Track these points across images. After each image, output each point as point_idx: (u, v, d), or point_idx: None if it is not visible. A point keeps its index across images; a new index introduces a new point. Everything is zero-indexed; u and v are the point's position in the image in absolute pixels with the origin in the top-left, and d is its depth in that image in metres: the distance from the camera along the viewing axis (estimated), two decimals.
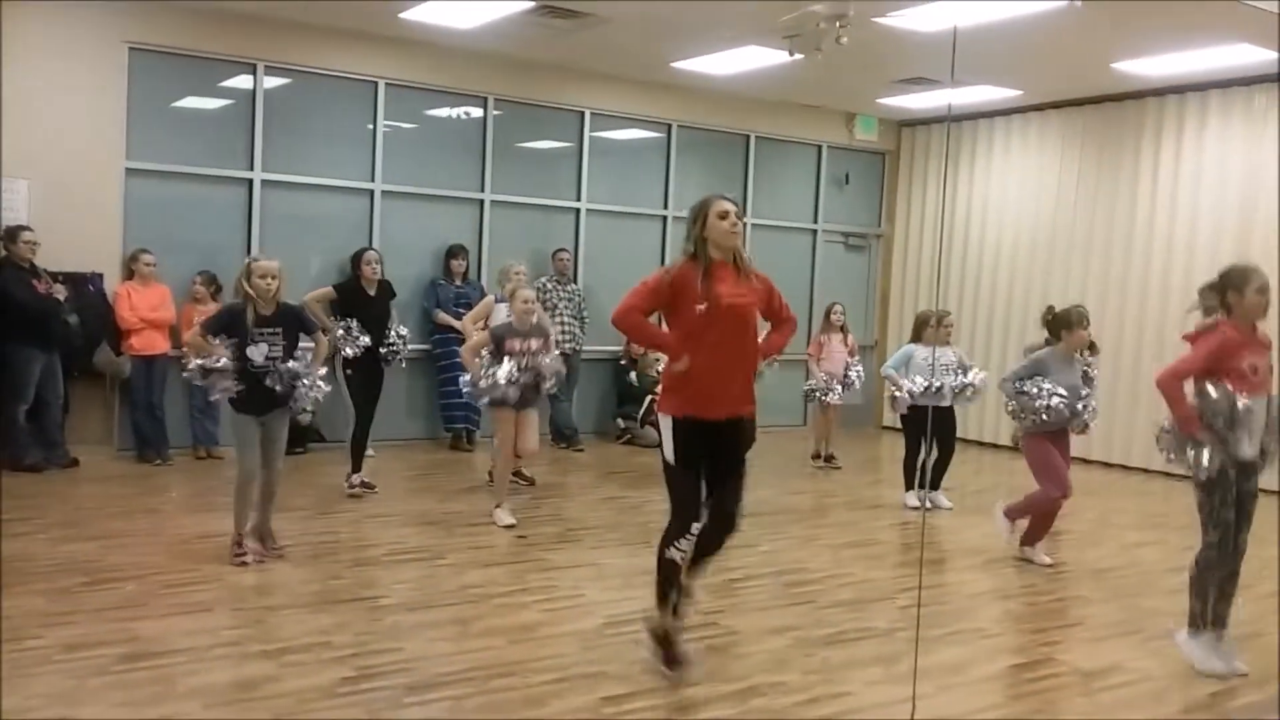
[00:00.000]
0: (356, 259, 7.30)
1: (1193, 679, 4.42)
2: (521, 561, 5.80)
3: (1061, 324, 6.04)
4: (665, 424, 4.05)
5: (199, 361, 5.31)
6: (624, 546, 6.11)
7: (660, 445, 4.11)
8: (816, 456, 9.14)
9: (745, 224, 11.43)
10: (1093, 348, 6.55)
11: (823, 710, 3.93)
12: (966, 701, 4.09)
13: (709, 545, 4.10)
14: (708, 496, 4.10)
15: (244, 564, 5.35)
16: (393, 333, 7.18)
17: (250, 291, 5.34)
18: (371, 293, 7.17)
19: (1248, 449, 4.25)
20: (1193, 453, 4.35)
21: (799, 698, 4.03)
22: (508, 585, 5.33)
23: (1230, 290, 4.35)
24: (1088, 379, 6.20)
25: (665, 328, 4.23)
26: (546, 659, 4.29)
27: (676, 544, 4.01)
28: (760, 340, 4.23)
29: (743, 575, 5.57)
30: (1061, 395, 5.87)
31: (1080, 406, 5.93)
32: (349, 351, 6.92)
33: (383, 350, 7.10)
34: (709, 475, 4.09)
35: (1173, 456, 4.47)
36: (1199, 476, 4.36)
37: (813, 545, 6.44)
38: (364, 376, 7.07)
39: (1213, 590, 4.47)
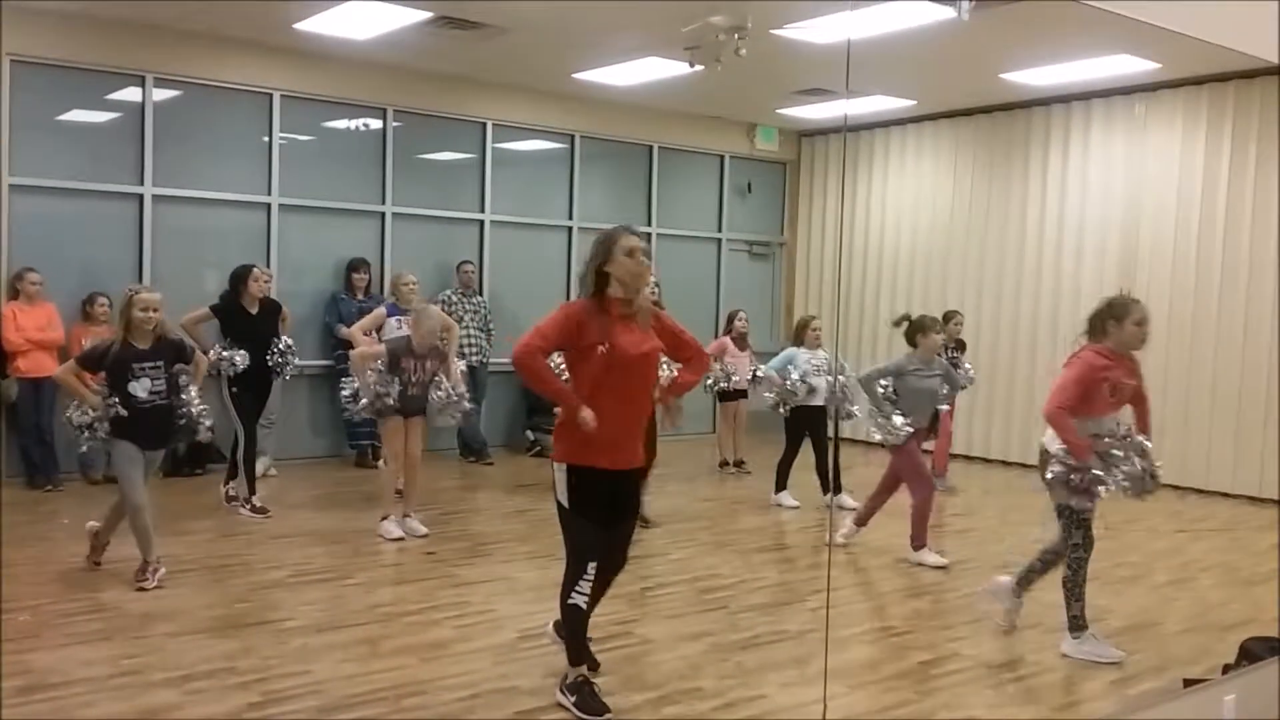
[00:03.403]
0: (239, 276, 7.10)
1: (1093, 669, 4.57)
2: (431, 578, 5.73)
3: (916, 330, 6.33)
4: (560, 471, 3.90)
5: (72, 415, 5.23)
6: (535, 559, 6.08)
7: (555, 490, 3.94)
8: (724, 464, 9.18)
9: (651, 234, 11.51)
10: (961, 346, 6.81)
11: (738, 714, 3.96)
12: (878, 699, 4.16)
13: (599, 589, 4.02)
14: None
15: (143, 589, 5.19)
16: (279, 346, 7.03)
17: (128, 323, 5.24)
18: (254, 310, 7.02)
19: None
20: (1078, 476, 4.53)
21: (714, 703, 4.06)
22: (418, 603, 5.26)
23: (1110, 320, 4.59)
24: (951, 379, 6.51)
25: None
26: (459, 676, 4.24)
27: (578, 588, 3.86)
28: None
29: (655, 584, 5.58)
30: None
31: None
32: (229, 371, 6.79)
33: (269, 363, 6.97)
34: (603, 525, 3.94)
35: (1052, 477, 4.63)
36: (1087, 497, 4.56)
37: (724, 551, 6.48)
38: (251, 394, 6.94)
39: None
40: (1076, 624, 4.69)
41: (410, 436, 6.63)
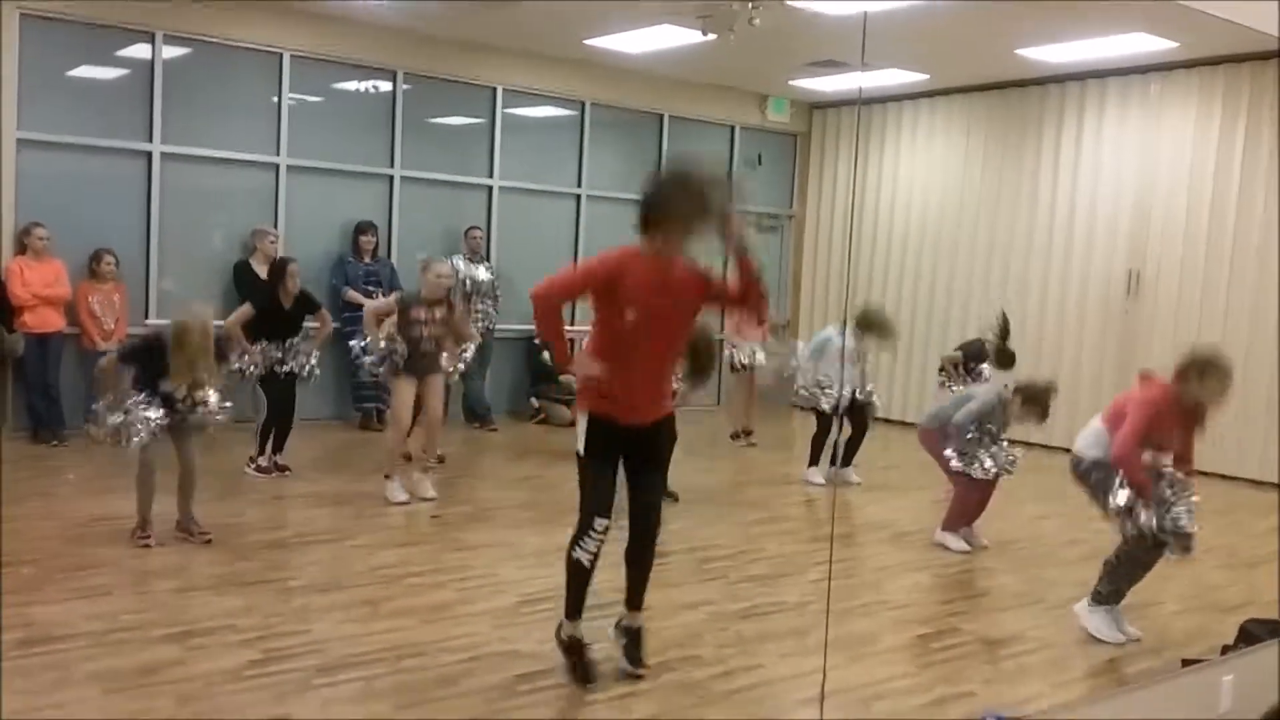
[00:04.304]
0: (278, 270, 7.10)
1: (1091, 646, 4.58)
2: (434, 542, 5.76)
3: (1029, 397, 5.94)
4: (581, 419, 3.85)
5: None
6: (538, 525, 6.09)
7: (576, 439, 3.89)
8: (736, 436, 9.11)
9: None
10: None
11: (736, 683, 3.98)
12: (876, 671, 4.18)
13: (639, 549, 3.98)
14: (629, 499, 3.97)
15: (147, 546, 5.21)
16: (303, 355, 7.01)
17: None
18: (288, 306, 6.99)
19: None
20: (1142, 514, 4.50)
21: (712, 670, 4.08)
22: (420, 565, 5.28)
23: (1197, 374, 4.46)
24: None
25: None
26: (459, 638, 4.26)
27: (582, 543, 3.81)
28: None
29: (655, 552, 5.58)
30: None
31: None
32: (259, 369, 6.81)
33: (289, 366, 6.96)
34: (628, 474, 3.92)
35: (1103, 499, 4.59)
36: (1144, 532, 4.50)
37: (724, 522, 6.49)
38: (275, 384, 6.99)
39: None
40: (1098, 598, 4.67)
41: (430, 395, 6.58)
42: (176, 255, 8.42)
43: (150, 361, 5.23)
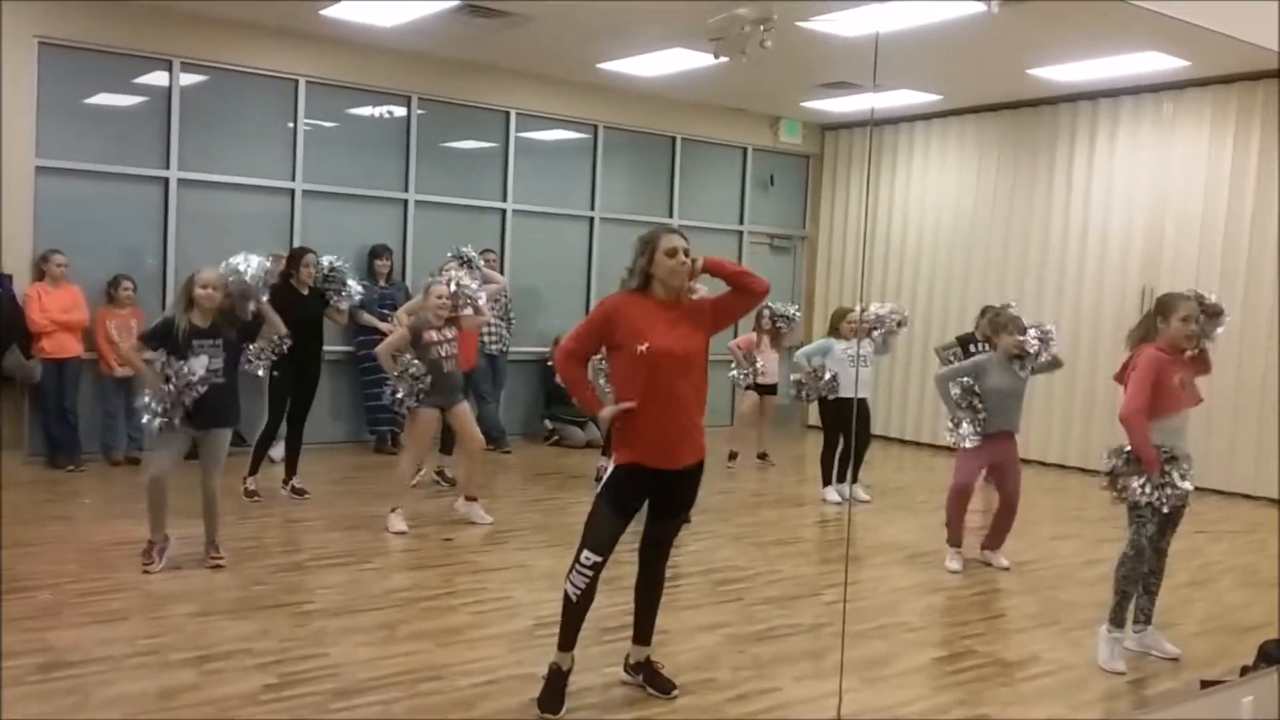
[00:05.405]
0: (294, 259, 7.15)
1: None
2: (449, 564, 5.76)
3: (993, 327, 6.20)
4: (611, 467, 3.87)
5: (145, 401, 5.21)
6: (552, 548, 6.08)
7: (600, 476, 3.90)
8: (734, 456, 9.06)
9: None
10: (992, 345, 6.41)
11: (752, 706, 3.97)
12: (892, 694, 4.16)
13: (647, 584, 4.06)
14: (644, 533, 4.00)
15: (147, 571, 5.22)
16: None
17: (190, 301, 5.23)
18: (304, 293, 7.04)
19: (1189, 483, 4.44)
20: (1145, 484, 4.43)
21: (728, 694, 4.07)
22: (435, 588, 5.29)
23: (1158, 317, 4.55)
24: (1048, 365, 6.09)
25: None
26: (475, 662, 4.26)
27: (572, 578, 3.78)
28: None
29: (671, 575, 5.53)
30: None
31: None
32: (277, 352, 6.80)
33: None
34: (650, 513, 3.94)
35: (1122, 488, 4.50)
36: (1155, 504, 4.44)
37: (740, 543, 6.48)
38: (292, 380, 6.99)
39: (1137, 587, 4.62)
40: (1111, 615, 4.62)
41: (464, 425, 6.58)
42: None
43: (171, 340, 5.24)
